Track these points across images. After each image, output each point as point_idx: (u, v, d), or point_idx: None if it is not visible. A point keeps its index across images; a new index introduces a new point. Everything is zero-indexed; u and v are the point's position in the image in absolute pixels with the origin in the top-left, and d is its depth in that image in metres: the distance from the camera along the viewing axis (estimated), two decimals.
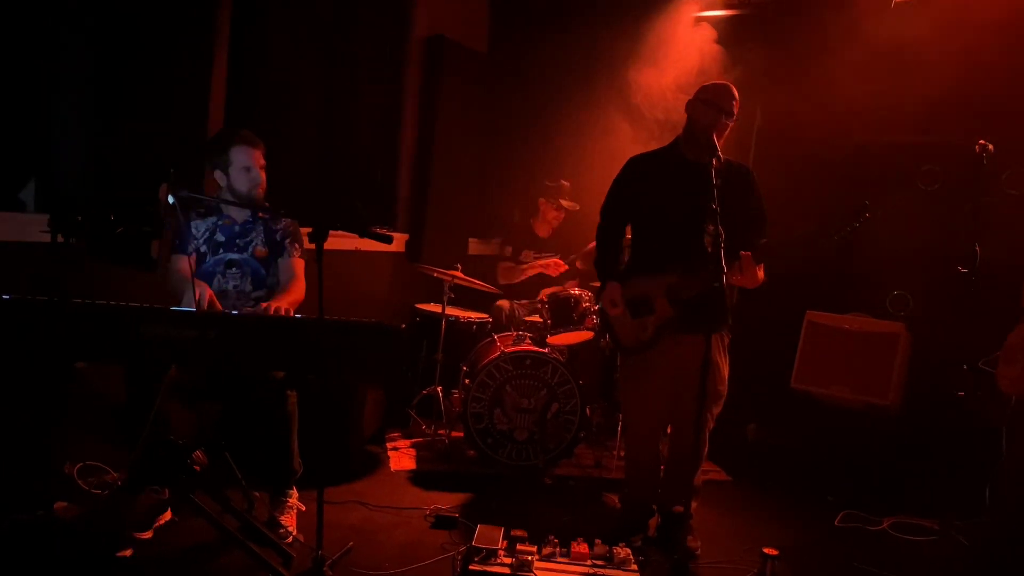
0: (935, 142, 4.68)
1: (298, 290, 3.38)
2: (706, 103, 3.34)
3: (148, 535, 3.08)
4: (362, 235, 2.70)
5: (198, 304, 2.96)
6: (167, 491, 3.19)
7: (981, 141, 3.31)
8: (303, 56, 4.62)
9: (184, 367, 3.04)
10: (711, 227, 2.86)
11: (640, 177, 3.53)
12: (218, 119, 4.07)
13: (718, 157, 3.09)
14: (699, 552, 3.45)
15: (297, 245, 3.47)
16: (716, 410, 3.50)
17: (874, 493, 4.17)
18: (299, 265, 3.46)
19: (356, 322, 2.68)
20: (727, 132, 3.37)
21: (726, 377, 3.50)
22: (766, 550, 3.01)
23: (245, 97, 4.26)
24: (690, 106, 3.43)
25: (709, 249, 2.93)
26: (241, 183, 3.33)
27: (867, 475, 4.31)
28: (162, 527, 3.19)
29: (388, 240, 2.67)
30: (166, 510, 3.20)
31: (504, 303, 5.06)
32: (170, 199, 2.71)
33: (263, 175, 3.39)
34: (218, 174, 3.36)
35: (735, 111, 3.33)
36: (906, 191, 4.76)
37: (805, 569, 3.40)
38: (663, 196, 3.43)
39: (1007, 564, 3.52)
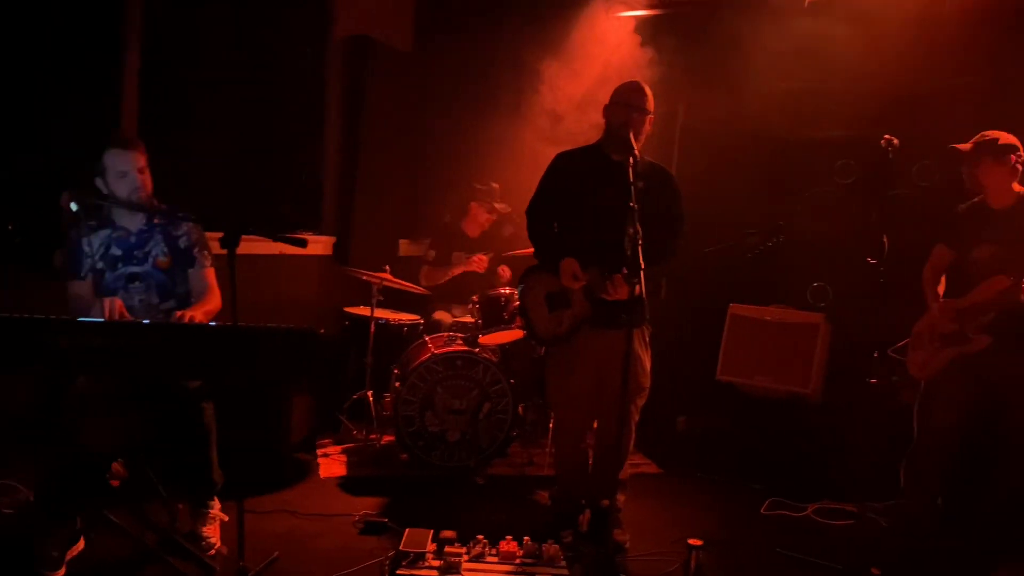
0: (850, 137, 4.81)
1: (213, 300, 3.25)
2: (617, 104, 3.40)
3: (60, 573, 2.88)
4: (274, 239, 2.65)
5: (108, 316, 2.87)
6: (79, 520, 3.02)
7: (886, 136, 3.41)
8: (221, 57, 4.53)
9: (94, 378, 2.94)
10: (631, 229, 2.90)
11: (565, 174, 3.55)
12: (132, 122, 3.96)
13: (634, 155, 3.13)
14: (628, 545, 3.49)
15: (206, 253, 3.31)
16: (640, 402, 3.55)
17: (799, 480, 4.27)
18: (211, 274, 3.31)
19: (270, 328, 2.62)
20: (645, 128, 3.41)
21: (648, 370, 3.55)
22: (691, 541, 3.05)
23: (160, 99, 4.15)
24: (606, 110, 3.48)
25: (628, 252, 2.97)
26: (119, 188, 3.12)
27: (792, 462, 4.43)
28: (75, 559, 3.02)
29: (302, 244, 2.63)
30: (79, 540, 3.04)
31: (442, 315, 5.04)
32: (73, 206, 2.61)
33: (143, 178, 3.16)
34: (99, 182, 3.15)
35: (647, 106, 3.38)
36: (823, 184, 4.91)
37: (730, 558, 3.46)
38: (586, 194, 3.46)
39: (920, 540, 3.66)
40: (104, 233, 3.23)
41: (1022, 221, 3.50)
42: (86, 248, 3.19)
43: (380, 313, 4.66)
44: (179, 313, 3.05)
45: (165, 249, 3.28)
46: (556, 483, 3.79)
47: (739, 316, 4.83)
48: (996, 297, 3.46)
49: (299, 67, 5.02)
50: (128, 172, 3.13)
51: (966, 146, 3.64)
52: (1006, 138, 3.52)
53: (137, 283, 3.22)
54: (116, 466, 3.50)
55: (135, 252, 3.24)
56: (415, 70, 5.63)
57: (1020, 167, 3.51)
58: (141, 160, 3.18)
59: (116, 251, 3.22)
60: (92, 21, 3.74)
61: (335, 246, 5.25)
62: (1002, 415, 3.58)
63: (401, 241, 5.79)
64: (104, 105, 3.81)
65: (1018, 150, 3.50)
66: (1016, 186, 3.54)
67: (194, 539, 3.17)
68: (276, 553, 3.16)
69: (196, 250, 3.32)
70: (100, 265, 3.20)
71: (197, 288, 3.31)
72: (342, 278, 4.81)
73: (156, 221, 3.28)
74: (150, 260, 3.25)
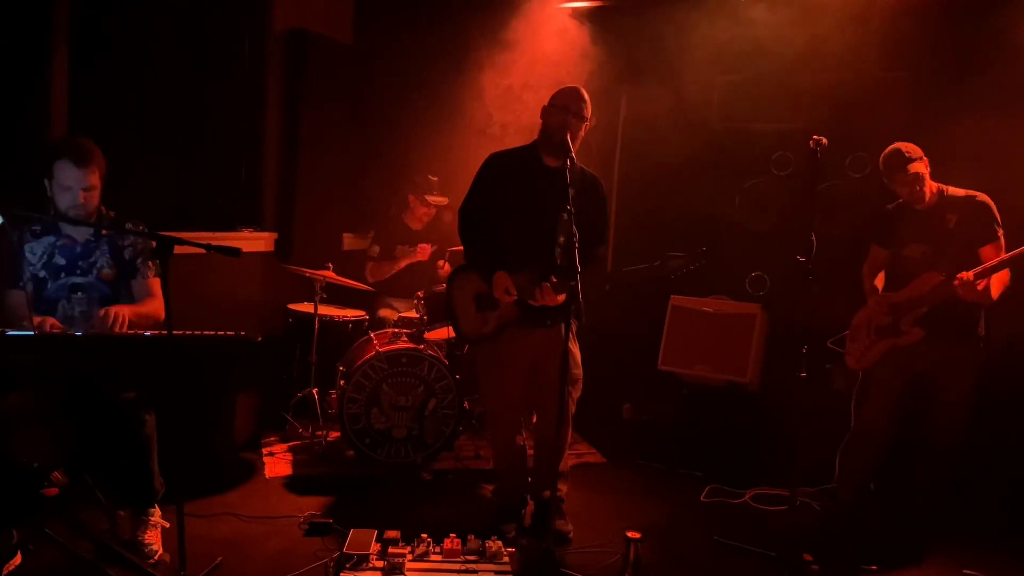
0: (787, 129, 4.91)
1: (153, 306, 3.17)
2: (556, 107, 3.41)
3: None
4: (208, 250, 2.63)
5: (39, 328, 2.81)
6: (15, 534, 2.97)
7: (815, 136, 3.51)
8: (155, 53, 4.42)
9: (27, 392, 2.88)
10: (562, 238, 2.94)
11: (498, 176, 3.54)
12: (61, 125, 3.84)
13: (571, 158, 3.16)
14: (571, 535, 3.57)
15: (150, 264, 3.25)
16: (576, 394, 3.60)
17: (738, 467, 4.40)
18: (155, 284, 3.24)
19: (206, 336, 2.62)
20: (582, 134, 3.43)
21: (579, 360, 3.60)
22: (629, 533, 3.14)
23: (92, 99, 4.04)
24: (544, 111, 3.48)
25: (559, 260, 3.01)
26: (60, 200, 3.05)
27: (731, 450, 4.55)
28: (12, 573, 2.98)
29: (235, 254, 2.60)
30: (15, 554, 2.98)
31: (388, 313, 5.03)
32: None
33: (88, 195, 3.06)
34: (47, 184, 3.07)
35: (584, 112, 3.40)
36: (761, 176, 5.01)
37: (669, 547, 3.56)
38: (518, 198, 3.46)
39: (852, 525, 3.81)
40: (48, 240, 3.15)
41: (945, 217, 3.64)
42: (29, 255, 3.12)
43: (324, 310, 4.64)
44: (103, 311, 2.96)
45: (110, 260, 3.21)
46: (497, 478, 3.84)
47: (679, 307, 4.93)
48: (929, 292, 3.60)
49: (237, 61, 4.92)
50: (72, 188, 3.03)
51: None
52: (908, 148, 3.62)
53: (80, 294, 3.14)
54: (55, 474, 3.45)
55: (79, 262, 3.17)
56: (356, 62, 5.57)
57: (926, 170, 3.62)
58: (91, 177, 3.06)
59: (60, 260, 3.15)
60: (14, 15, 3.61)
61: (277, 242, 5.19)
62: (930, 404, 3.73)
63: (345, 235, 5.76)
64: (31, 111, 3.68)
65: (919, 158, 3.60)
66: (932, 186, 3.66)
67: (135, 547, 3.14)
68: (219, 558, 3.15)
69: (139, 261, 3.25)
70: (42, 274, 3.13)
71: (139, 297, 3.24)
72: (285, 274, 4.77)
73: (104, 232, 3.20)
74: (94, 271, 3.18)
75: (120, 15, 4.21)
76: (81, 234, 3.19)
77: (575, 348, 3.57)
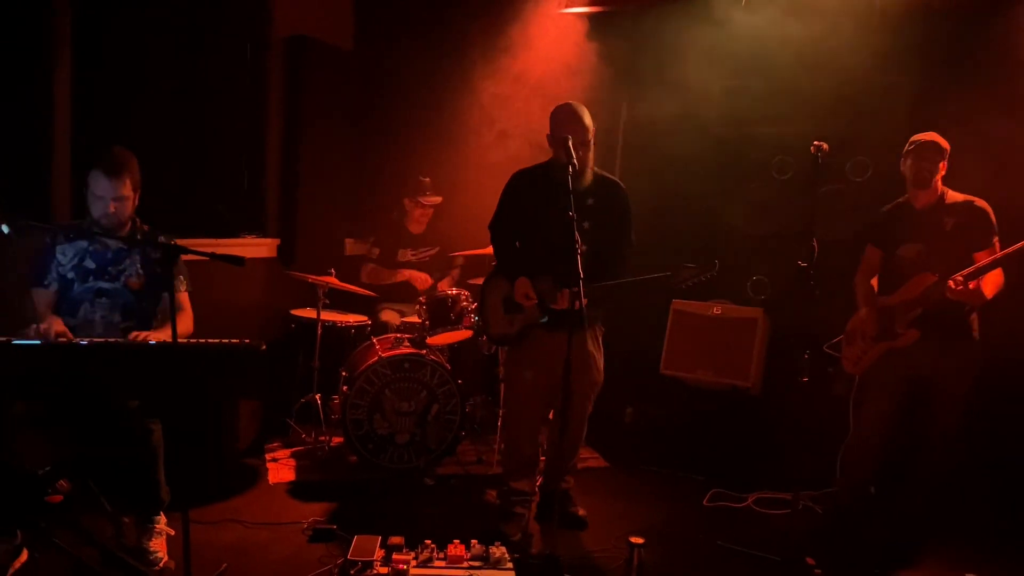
0: (787, 133, 4.90)
1: (184, 324, 3.23)
2: (557, 140, 3.49)
3: None
4: (212, 258, 2.64)
5: (43, 337, 2.83)
6: (20, 534, 3.00)
7: (816, 142, 3.52)
8: (157, 60, 4.45)
9: (31, 400, 2.90)
10: (583, 246, 3.05)
11: (519, 192, 3.76)
12: (64, 132, 3.87)
13: (573, 164, 3.25)
14: (587, 519, 3.79)
15: (181, 278, 3.31)
16: (593, 396, 3.79)
17: (740, 471, 4.40)
18: (184, 299, 3.31)
19: (211, 345, 2.63)
20: (588, 145, 3.54)
21: (601, 367, 3.77)
22: (632, 539, 3.15)
23: (95, 106, 4.07)
24: (548, 140, 3.61)
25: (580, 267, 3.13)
26: (94, 210, 3.14)
27: (733, 454, 4.55)
28: (19, 571, 3.01)
29: (239, 262, 2.61)
30: (21, 552, 3.02)
31: (390, 316, 5.03)
32: (4, 228, 2.57)
33: (119, 205, 3.14)
34: (87, 192, 3.17)
35: (587, 137, 3.51)
36: (761, 180, 5.02)
37: (672, 552, 3.56)
38: (538, 211, 3.65)
39: (853, 527, 3.82)
40: (81, 244, 3.23)
41: (943, 220, 3.65)
42: (60, 257, 3.20)
43: (327, 315, 4.65)
44: (134, 334, 3.03)
45: (140, 270, 3.27)
46: (503, 479, 3.86)
47: (681, 312, 4.94)
48: (923, 293, 3.62)
49: (239, 67, 4.94)
50: (104, 197, 3.11)
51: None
52: (938, 140, 3.65)
53: (104, 299, 3.21)
54: (61, 481, 3.47)
55: (109, 268, 3.24)
56: (357, 68, 5.60)
57: (943, 165, 3.65)
58: (122, 188, 3.13)
59: (90, 264, 3.22)
60: (15, 23, 3.63)
61: (279, 248, 5.21)
62: (928, 405, 3.75)
63: (347, 240, 5.77)
64: (35, 119, 3.70)
65: (945, 152, 3.63)
66: (939, 186, 3.68)
67: (140, 554, 3.16)
68: (224, 565, 3.16)
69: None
70: (71, 275, 3.21)
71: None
72: (288, 280, 4.78)
73: (139, 237, 3.27)
74: (122, 278, 3.24)
75: (122, 23, 4.24)
76: (113, 242, 3.25)
77: (599, 356, 3.75)
